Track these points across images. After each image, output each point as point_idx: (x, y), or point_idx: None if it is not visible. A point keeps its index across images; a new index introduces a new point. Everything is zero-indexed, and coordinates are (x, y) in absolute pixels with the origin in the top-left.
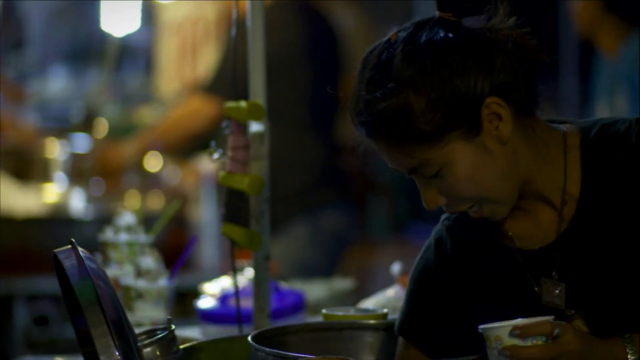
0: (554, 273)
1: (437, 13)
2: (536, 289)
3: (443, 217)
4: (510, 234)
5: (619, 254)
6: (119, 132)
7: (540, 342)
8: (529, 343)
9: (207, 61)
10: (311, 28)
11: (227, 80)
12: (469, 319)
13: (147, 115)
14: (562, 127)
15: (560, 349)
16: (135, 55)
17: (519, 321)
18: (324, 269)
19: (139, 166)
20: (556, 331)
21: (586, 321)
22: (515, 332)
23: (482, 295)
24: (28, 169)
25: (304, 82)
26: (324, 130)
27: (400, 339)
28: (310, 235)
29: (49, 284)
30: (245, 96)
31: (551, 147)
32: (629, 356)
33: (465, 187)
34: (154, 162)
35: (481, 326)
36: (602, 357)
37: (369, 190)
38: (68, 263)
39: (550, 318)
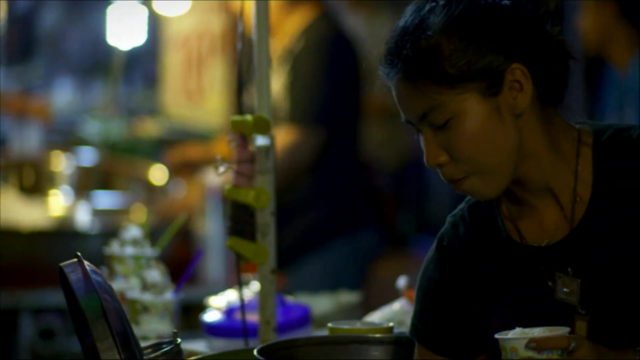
0: (569, 269)
1: None
2: (549, 283)
3: (449, 216)
4: (520, 229)
5: (627, 260)
6: (124, 145)
7: (555, 356)
8: (544, 356)
9: (212, 75)
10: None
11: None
12: (481, 318)
13: (151, 128)
14: (577, 126)
15: None
16: (141, 68)
17: (536, 333)
18: (354, 287)
19: (144, 180)
20: (572, 345)
21: (590, 325)
22: (532, 345)
23: (491, 293)
24: (34, 182)
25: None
26: (353, 148)
27: (416, 343)
28: (349, 257)
29: (55, 297)
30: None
31: (565, 142)
32: None
33: (468, 145)
34: (159, 176)
35: (497, 335)
36: None
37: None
38: (74, 277)
39: (566, 330)
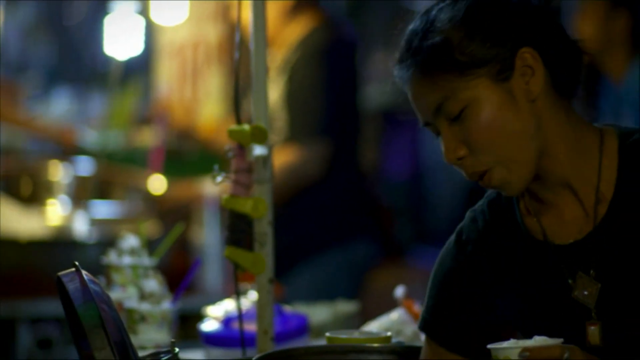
0: (592, 271)
1: None
2: (570, 281)
3: (469, 211)
4: (541, 226)
5: None
6: (121, 154)
7: None
8: None
9: (208, 84)
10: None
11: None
12: (494, 313)
13: (147, 137)
14: (600, 127)
15: None
16: (137, 78)
17: (528, 343)
18: (349, 296)
19: (143, 189)
20: (566, 355)
21: (602, 329)
22: (525, 354)
23: (506, 288)
24: (32, 191)
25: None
26: (353, 157)
27: (424, 336)
28: (343, 267)
29: (53, 306)
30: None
31: (586, 139)
32: None
33: (484, 133)
34: (157, 185)
35: (490, 345)
36: None
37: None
38: (72, 286)
39: (560, 341)
